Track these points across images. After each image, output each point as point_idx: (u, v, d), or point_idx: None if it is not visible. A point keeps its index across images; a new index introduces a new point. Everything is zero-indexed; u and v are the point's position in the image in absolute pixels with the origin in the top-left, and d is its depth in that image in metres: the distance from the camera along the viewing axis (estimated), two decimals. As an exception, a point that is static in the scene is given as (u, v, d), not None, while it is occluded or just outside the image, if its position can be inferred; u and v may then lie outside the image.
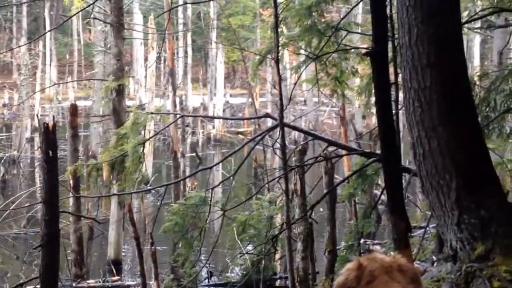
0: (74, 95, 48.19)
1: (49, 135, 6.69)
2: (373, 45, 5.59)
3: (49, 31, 42.45)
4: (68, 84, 45.25)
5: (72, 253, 12.07)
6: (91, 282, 11.97)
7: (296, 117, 30.08)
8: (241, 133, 35.59)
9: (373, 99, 7.36)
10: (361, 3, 19.53)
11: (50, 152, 6.62)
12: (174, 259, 10.15)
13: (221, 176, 19.97)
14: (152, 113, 10.25)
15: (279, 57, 8.36)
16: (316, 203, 8.58)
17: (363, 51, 7.67)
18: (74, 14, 25.68)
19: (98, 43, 26.52)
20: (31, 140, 32.84)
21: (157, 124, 26.65)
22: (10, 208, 16.23)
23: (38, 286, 9.46)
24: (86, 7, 22.24)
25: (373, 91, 6.21)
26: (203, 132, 35.19)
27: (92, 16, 24.04)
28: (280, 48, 8.50)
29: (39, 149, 30.40)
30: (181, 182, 15.93)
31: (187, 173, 18.51)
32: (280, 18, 8.61)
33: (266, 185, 10.19)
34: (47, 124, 6.68)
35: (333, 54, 9.08)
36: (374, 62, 5.56)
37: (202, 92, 45.65)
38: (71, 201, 12.34)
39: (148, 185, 19.15)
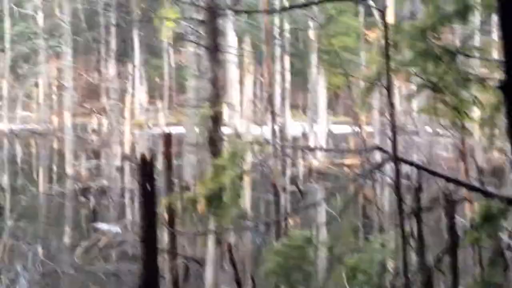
0: (166, 121, 49.34)
1: (146, 167, 6.96)
2: (505, 76, 5.50)
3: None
4: (158, 109, 46.29)
5: (167, 293, 12.34)
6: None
7: (407, 148, 29.79)
8: (346, 165, 35.48)
9: (498, 132, 7.27)
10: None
11: (148, 186, 6.87)
12: (282, 303, 10.21)
13: (326, 213, 20.01)
14: (252, 143, 10.40)
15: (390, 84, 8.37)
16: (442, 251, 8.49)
17: (490, 81, 7.59)
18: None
19: (190, 66, 27.09)
20: (121, 169, 33.77)
21: (254, 154, 26.92)
22: (100, 242, 16.80)
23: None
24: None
25: (497, 122, 6.13)
26: (304, 164, 35.28)
27: (184, 37, 24.61)
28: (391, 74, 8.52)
29: (130, 179, 31.32)
30: (283, 219, 16.04)
31: (289, 209, 18.61)
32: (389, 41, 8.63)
33: (377, 225, 10.18)
34: (144, 155, 6.93)
35: (452, 82, 9.02)
36: (507, 95, 5.46)
37: (301, 119, 45.86)
38: (165, 236, 12.63)
39: (247, 221, 19.39)
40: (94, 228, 20.52)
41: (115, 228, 19.13)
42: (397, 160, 8.09)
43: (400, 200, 7.81)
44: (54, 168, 36.24)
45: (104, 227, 19.92)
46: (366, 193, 18.57)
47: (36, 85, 55.86)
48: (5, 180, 29.95)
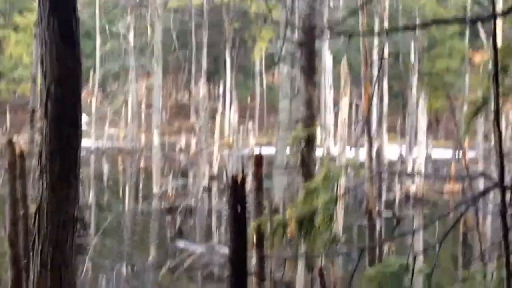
0: (255, 142, 49.72)
1: (237, 188, 7.00)
2: None
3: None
4: (249, 129, 46.68)
5: (256, 320, 12.35)
6: None
7: (512, 175, 29.17)
8: (446, 192, 34.99)
9: None
10: None
11: (239, 208, 6.92)
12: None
13: (423, 241, 19.76)
14: (346, 166, 10.35)
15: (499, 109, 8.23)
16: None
17: None
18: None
19: (283, 87, 27.23)
20: (208, 189, 34.13)
21: (348, 177, 26.85)
22: (185, 262, 16.99)
23: None
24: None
25: None
26: (401, 189, 34.96)
27: (278, 58, 24.77)
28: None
29: (217, 200, 31.63)
30: (378, 245, 15.90)
31: (384, 235, 18.44)
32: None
33: (480, 255, 9.97)
34: (236, 177, 6.99)
35: None
36: None
37: (399, 142, 45.44)
38: (253, 260, 12.67)
39: (339, 246, 19.30)
40: (180, 248, 20.77)
41: (201, 249, 19.30)
42: (503, 187, 7.92)
43: (505, 229, 7.64)
44: (141, 186, 36.92)
45: (190, 247, 20.14)
46: (468, 221, 18.25)
47: (125, 103, 57.13)
48: (91, 197, 30.64)
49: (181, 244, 21.65)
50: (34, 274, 5.36)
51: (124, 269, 18.31)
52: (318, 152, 27.43)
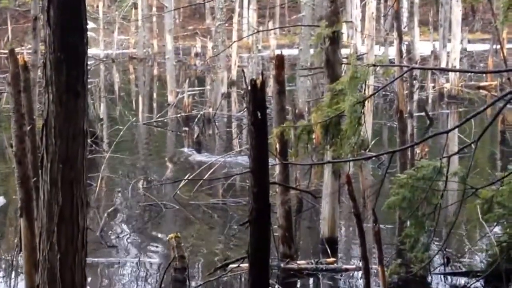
0: (276, 43, 49.45)
1: (257, 93, 7.03)
2: None
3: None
4: (269, 29, 46.35)
5: (279, 229, 12.54)
6: (302, 263, 12.41)
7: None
8: (483, 87, 34.84)
9: None
10: None
11: (259, 114, 6.96)
12: (402, 240, 10.30)
13: (458, 141, 19.81)
14: (374, 65, 10.33)
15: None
16: None
17: None
18: None
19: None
20: (227, 95, 34.17)
21: (377, 77, 26.79)
22: (206, 177, 17.16)
23: (244, 265, 10.06)
24: None
25: None
26: (434, 87, 34.83)
27: None
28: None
29: (237, 107, 31.70)
30: (409, 148, 15.96)
31: (416, 137, 18.48)
32: None
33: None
34: (255, 80, 7.01)
35: None
36: None
37: (432, 38, 45.04)
38: (277, 169, 12.81)
39: (368, 150, 19.40)
40: (198, 159, 20.96)
41: (222, 159, 19.47)
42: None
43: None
44: (155, 95, 37.03)
45: (209, 158, 20.32)
46: (506, 118, 18.22)
47: (135, 6, 56.74)
48: (102, 109, 30.82)
49: (200, 155, 21.85)
50: (44, 193, 5.44)
51: (140, 185, 18.54)
52: (344, 51, 27.34)
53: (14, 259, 12.43)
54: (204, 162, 19.62)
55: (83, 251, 5.52)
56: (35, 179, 9.56)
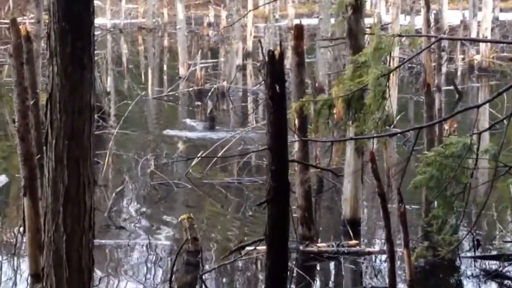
0: (295, 12, 49.35)
1: (275, 65, 7.01)
2: None
3: None
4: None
5: (298, 209, 12.55)
6: (322, 245, 12.42)
7: None
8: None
9: None
10: None
11: (277, 87, 6.95)
12: (429, 222, 10.28)
13: (489, 117, 19.74)
14: (400, 35, 10.29)
15: None
16: None
17: None
18: None
19: None
20: (242, 68, 34.13)
21: (403, 48, 26.67)
22: (220, 154, 17.17)
23: (261, 247, 10.07)
24: None
25: None
26: (463, 59, 34.68)
27: None
28: None
29: (253, 80, 31.66)
30: (437, 124, 15.91)
31: (444, 112, 18.42)
32: None
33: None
34: (273, 51, 6.99)
35: None
36: None
37: (461, 6, 44.85)
38: (296, 146, 12.81)
39: (392, 126, 19.34)
40: (212, 136, 20.98)
41: (236, 136, 19.46)
42: None
43: None
44: (165, 68, 37.02)
45: (224, 135, 20.31)
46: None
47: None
48: (109, 82, 30.83)
49: (213, 131, 21.88)
50: (49, 171, 5.45)
51: (150, 162, 18.55)
52: (368, 20, 27.22)
53: (17, 241, 12.49)
54: (218, 138, 19.61)
55: (91, 232, 5.53)
56: (39, 156, 9.60)
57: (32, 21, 20.96)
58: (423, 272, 11.52)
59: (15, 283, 11.50)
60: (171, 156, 18.80)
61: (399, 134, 17.84)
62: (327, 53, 26.48)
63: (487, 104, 17.22)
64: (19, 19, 13.90)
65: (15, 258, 12.25)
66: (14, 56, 9.98)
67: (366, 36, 13.89)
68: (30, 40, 10.53)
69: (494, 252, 12.11)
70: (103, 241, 12.75)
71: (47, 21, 5.48)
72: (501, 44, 36.68)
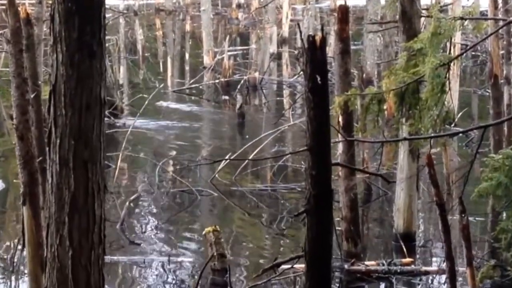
0: (339, -9, 49.30)
1: (315, 53, 7.00)
2: None
3: None
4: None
5: (342, 221, 12.55)
6: (371, 263, 12.41)
7: None
8: None
9: None
10: None
11: (318, 79, 6.94)
12: (496, 236, 10.27)
13: None
14: (462, 18, 10.27)
15: None
16: None
17: None
18: None
19: None
20: (277, 57, 34.13)
21: (465, 33, 26.58)
22: (251, 157, 17.19)
23: (299, 265, 10.07)
24: None
25: None
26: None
27: None
28: None
29: (289, 70, 31.67)
30: (505, 122, 15.87)
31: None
32: None
33: None
34: (313, 37, 6.98)
35: None
36: None
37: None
38: (340, 147, 12.80)
39: (453, 125, 19.26)
40: (242, 135, 21.01)
41: (270, 136, 19.45)
42: None
43: None
44: (187, 56, 37.10)
45: (256, 133, 20.30)
46: None
47: None
48: (122, 73, 30.95)
49: (243, 129, 21.91)
50: (53, 175, 5.46)
51: (169, 166, 18.59)
52: (424, 1, 27.13)
53: (16, 257, 12.53)
54: (248, 137, 19.61)
55: (100, 247, 5.55)
56: (40, 158, 9.63)
57: (33, 1, 21.06)
58: (489, 295, 11.50)
59: (13, 306, 11.62)
60: (194, 159, 18.81)
61: (461, 134, 17.82)
62: (377, 39, 26.46)
63: None
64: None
65: (13, 277, 12.32)
66: (12, 42, 10.02)
67: (422, 19, 13.89)
68: (31, 23, 10.58)
69: None
70: (115, 257, 12.81)
71: (50, 1, 5.49)
72: None
